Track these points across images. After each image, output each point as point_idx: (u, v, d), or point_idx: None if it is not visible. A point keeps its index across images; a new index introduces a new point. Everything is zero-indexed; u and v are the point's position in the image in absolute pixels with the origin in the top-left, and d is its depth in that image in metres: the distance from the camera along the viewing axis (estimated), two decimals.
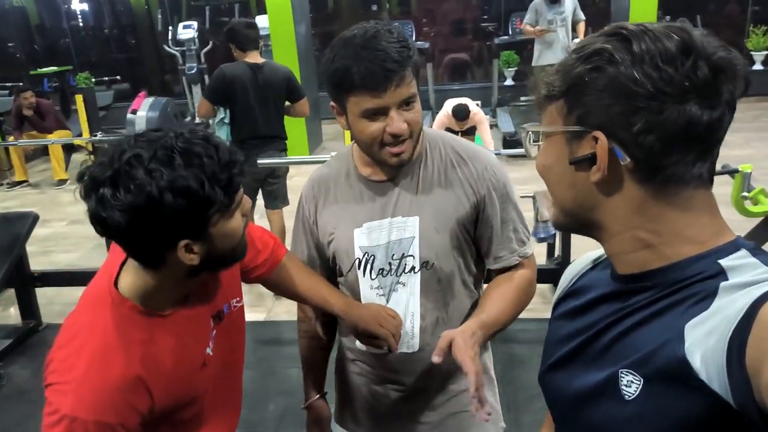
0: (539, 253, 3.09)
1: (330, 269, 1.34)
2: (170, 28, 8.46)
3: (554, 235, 3.23)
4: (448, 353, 1.00)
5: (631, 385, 0.64)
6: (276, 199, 3.77)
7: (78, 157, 7.28)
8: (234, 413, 1.22)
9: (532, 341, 2.83)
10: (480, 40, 9.96)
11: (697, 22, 7.51)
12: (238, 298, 1.18)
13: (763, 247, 0.72)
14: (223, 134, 3.76)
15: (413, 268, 1.22)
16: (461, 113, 4.80)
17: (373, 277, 1.25)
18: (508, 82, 8.86)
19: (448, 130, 4.57)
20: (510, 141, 6.48)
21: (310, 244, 1.34)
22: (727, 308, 0.58)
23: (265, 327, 3.42)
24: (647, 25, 0.63)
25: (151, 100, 6.82)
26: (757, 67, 8.31)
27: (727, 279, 0.61)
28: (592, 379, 0.69)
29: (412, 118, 1.13)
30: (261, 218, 4.04)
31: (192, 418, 1.10)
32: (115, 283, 0.99)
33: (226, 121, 3.79)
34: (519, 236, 1.27)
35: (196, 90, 7.78)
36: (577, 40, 5.96)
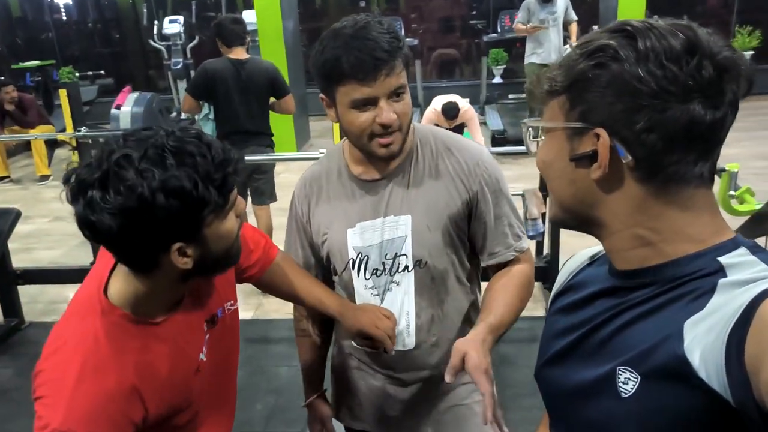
0: None
1: (325, 268, 1.33)
2: (156, 22, 8.38)
3: (543, 233, 3.24)
4: (461, 369, 0.96)
5: (628, 382, 0.64)
6: (263, 195, 3.75)
7: (61, 153, 7.20)
8: (228, 417, 1.20)
9: (520, 339, 2.83)
10: (469, 38, 9.96)
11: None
12: (232, 301, 1.15)
13: None
14: (208, 130, 3.75)
15: (406, 267, 1.22)
16: (451, 112, 4.76)
17: (368, 277, 1.24)
18: (497, 79, 8.86)
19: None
20: (498, 139, 6.49)
21: (304, 243, 1.33)
22: (725, 306, 0.58)
23: (253, 325, 3.39)
24: (653, 22, 0.62)
25: (135, 95, 6.76)
26: None
27: (726, 276, 0.61)
28: (589, 375, 0.69)
29: (401, 109, 1.12)
30: (248, 214, 4.00)
31: (186, 423, 1.07)
32: (105, 291, 0.95)
33: (211, 117, 3.79)
34: (514, 231, 1.26)
35: (182, 85, 7.73)
36: (571, 43, 5.99)
